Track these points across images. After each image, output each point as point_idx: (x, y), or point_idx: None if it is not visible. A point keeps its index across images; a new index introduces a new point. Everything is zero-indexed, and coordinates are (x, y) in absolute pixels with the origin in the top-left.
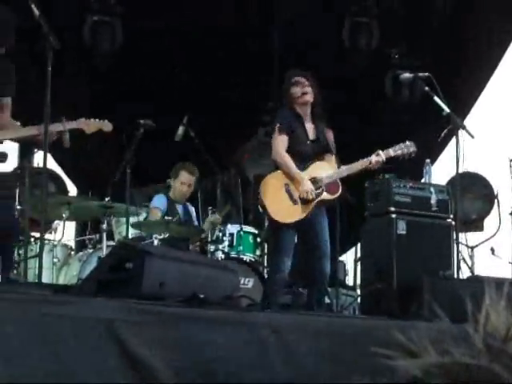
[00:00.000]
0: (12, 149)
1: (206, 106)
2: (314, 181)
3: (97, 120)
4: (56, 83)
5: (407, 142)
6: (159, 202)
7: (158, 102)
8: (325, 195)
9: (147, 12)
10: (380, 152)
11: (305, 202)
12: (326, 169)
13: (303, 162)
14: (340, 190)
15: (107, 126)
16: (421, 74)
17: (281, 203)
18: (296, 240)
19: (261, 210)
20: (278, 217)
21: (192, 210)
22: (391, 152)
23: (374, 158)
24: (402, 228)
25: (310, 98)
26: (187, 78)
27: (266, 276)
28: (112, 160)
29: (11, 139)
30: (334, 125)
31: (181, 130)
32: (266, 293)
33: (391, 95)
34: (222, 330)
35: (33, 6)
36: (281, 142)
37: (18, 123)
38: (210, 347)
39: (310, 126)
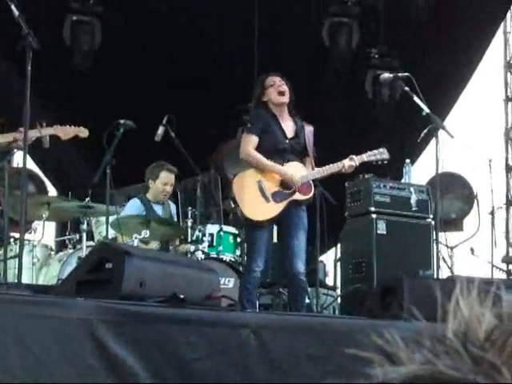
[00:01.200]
0: None
1: (186, 105)
2: (284, 182)
3: (73, 127)
4: (36, 84)
5: (380, 149)
6: (133, 208)
7: (137, 102)
8: (297, 195)
9: (126, 11)
10: (353, 157)
11: (277, 199)
12: (300, 169)
13: (281, 160)
14: (312, 191)
15: (83, 132)
16: (400, 74)
17: (253, 200)
18: (276, 239)
19: (232, 205)
20: (250, 214)
21: (173, 207)
22: (364, 157)
23: (347, 163)
24: (382, 228)
25: (286, 98)
26: (167, 77)
27: None
28: (91, 161)
29: None
30: (313, 125)
31: (161, 130)
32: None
33: (371, 95)
34: (202, 330)
35: (12, 6)
36: (248, 142)
37: None
38: (190, 347)
39: (287, 125)
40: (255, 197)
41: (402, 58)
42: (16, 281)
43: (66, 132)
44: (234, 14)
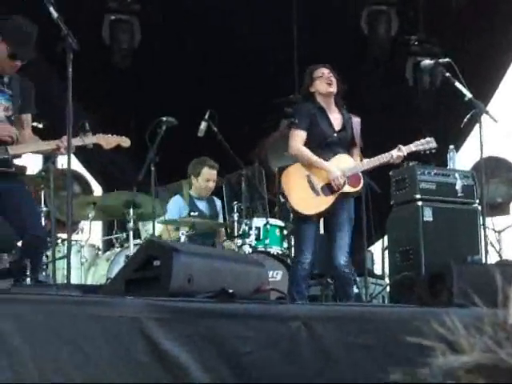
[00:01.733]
0: None
1: (227, 100)
2: None
3: (115, 136)
4: (77, 84)
5: (428, 138)
6: (174, 206)
7: (178, 99)
8: (347, 188)
9: (163, 9)
10: (401, 147)
11: (327, 193)
12: (349, 161)
13: (330, 153)
14: (362, 183)
15: (125, 141)
16: (441, 60)
17: (302, 194)
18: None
19: (282, 199)
20: (299, 207)
21: (218, 203)
22: (412, 147)
23: (395, 153)
24: (428, 215)
25: (334, 88)
26: (207, 72)
27: None
28: (135, 159)
29: (31, 152)
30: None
31: (203, 125)
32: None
33: (412, 82)
34: (252, 324)
35: (51, 8)
36: (296, 137)
37: (37, 138)
38: (241, 341)
39: (335, 117)
40: (305, 191)
41: (441, 44)
42: (65, 281)
43: (108, 141)
44: (271, 8)
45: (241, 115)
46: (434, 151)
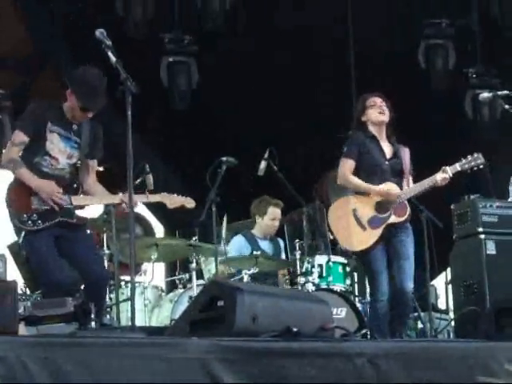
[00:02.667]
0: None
1: (286, 138)
2: (380, 205)
3: (180, 196)
4: (138, 126)
5: (475, 154)
6: (236, 245)
7: (238, 138)
8: (393, 218)
9: (220, 50)
10: (446, 168)
11: (374, 226)
12: (395, 190)
13: (380, 181)
14: (408, 213)
15: (190, 203)
16: (500, 93)
17: (349, 229)
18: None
19: (331, 236)
20: (347, 245)
21: (281, 244)
22: (458, 166)
23: (439, 176)
24: (491, 248)
25: (386, 118)
26: (266, 111)
27: (357, 305)
28: (197, 199)
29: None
30: (415, 146)
31: (263, 164)
32: (360, 323)
33: (471, 115)
34: (317, 362)
35: (109, 52)
36: (346, 165)
37: (102, 187)
38: (306, 380)
39: (386, 146)
40: (351, 226)
41: (500, 76)
42: (129, 324)
43: (173, 200)
44: (328, 43)
45: (301, 153)
46: (482, 167)
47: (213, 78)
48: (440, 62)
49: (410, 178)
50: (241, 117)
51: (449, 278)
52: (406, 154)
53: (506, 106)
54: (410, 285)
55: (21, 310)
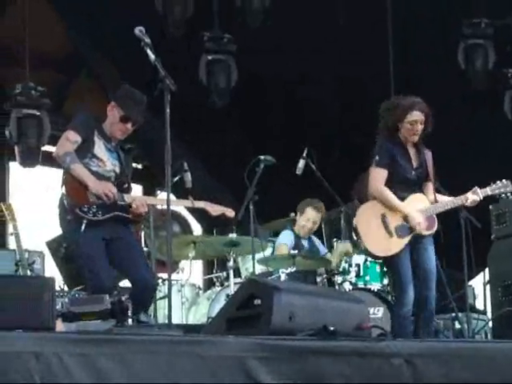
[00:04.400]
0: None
1: (325, 137)
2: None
3: (221, 206)
4: (175, 125)
5: (504, 181)
6: (286, 238)
7: (277, 137)
8: (422, 230)
9: (259, 48)
10: (478, 190)
11: (401, 234)
12: (424, 201)
13: (408, 190)
14: (436, 225)
15: (230, 212)
16: None
17: (375, 234)
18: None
19: (355, 238)
20: (372, 249)
21: (318, 241)
22: (488, 191)
23: (470, 197)
24: None
25: (416, 139)
26: (305, 110)
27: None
28: (234, 197)
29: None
30: (454, 148)
31: (301, 163)
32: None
33: (511, 116)
34: (354, 361)
35: (148, 50)
36: (378, 176)
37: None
38: (343, 379)
39: (413, 153)
40: (379, 231)
41: None
42: (166, 321)
43: (215, 209)
44: (367, 40)
45: (340, 151)
46: (510, 194)
47: (251, 77)
48: (479, 62)
49: (432, 184)
50: (280, 115)
51: (487, 278)
52: (429, 159)
53: None
54: (433, 295)
55: (58, 307)
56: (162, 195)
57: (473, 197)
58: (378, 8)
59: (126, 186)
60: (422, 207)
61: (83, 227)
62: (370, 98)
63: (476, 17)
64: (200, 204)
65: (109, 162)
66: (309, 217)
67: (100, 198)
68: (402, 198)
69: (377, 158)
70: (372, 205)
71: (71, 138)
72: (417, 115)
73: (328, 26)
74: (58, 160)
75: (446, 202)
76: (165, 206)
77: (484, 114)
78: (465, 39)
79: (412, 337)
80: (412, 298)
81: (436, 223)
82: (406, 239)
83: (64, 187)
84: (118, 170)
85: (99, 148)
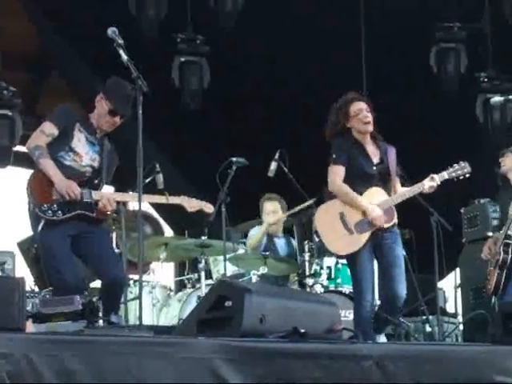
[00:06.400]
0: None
1: (297, 139)
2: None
3: (198, 201)
4: (148, 125)
5: (461, 163)
6: (257, 230)
7: (248, 139)
8: None
9: (232, 50)
10: (434, 176)
11: (360, 230)
12: (381, 195)
13: (368, 185)
14: (394, 218)
15: (209, 208)
16: (511, 97)
17: (336, 234)
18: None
19: (316, 238)
20: (333, 249)
21: (294, 242)
22: (445, 175)
23: (427, 183)
24: None
25: (371, 127)
26: (277, 112)
27: None
28: (206, 199)
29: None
30: (425, 150)
31: (273, 165)
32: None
33: (482, 119)
34: (324, 364)
35: (121, 51)
36: (336, 173)
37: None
38: (312, 382)
39: (372, 150)
40: (338, 230)
41: None
42: (137, 322)
43: (192, 204)
44: (339, 44)
45: (310, 154)
46: (468, 176)
47: (224, 79)
48: (452, 65)
49: (397, 180)
50: (252, 118)
51: (458, 281)
52: (391, 154)
53: None
54: (403, 292)
55: (29, 307)
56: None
57: (430, 183)
58: (350, 9)
59: (97, 181)
60: (379, 200)
61: (40, 226)
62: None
63: (448, 21)
64: (176, 200)
65: (87, 156)
66: (267, 210)
67: (63, 196)
68: (361, 193)
69: (334, 156)
70: (330, 204)
71: (46, 131)
72: (359, 104)
73: (300, 24)
74: (28, 152)
75: (404, 192)
76: (136, 204)
77: (455, 117)
78: (437, 43)
79: (373, 335)
80: (370, 297)
81: (395, 215)
82: (367, 235)
83: (28, 186)
84: (96, 164)
85: (78, 141)
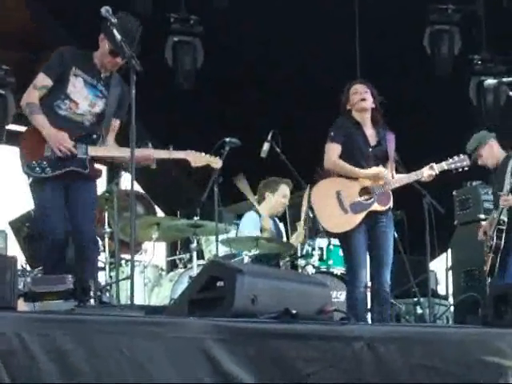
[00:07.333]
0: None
1: (290, 120)
2: (365, 191)
3: (207, 155)
4: (140, 105)
5: (461, 156)
6: (250, 222)
7: (242, 119)
8: (375, 206)
9: (225, 30)
10: (433, 165)
11: (356, 211)
12: (384, 174)
13: (364, 167)
14: (391, 202)
15: (217, 162)
16: (505, 80)
17: (331, 212)
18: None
19: (311, 215)
20: (328, 226)
21: (281, 225)
22: (445, 165)
23: (426, 172)
24: None
25: (368, 104)
26: (270, 93)
27: None
28: (198, 180)
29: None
30: (419, 132)
31: (266, 146)
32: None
33: (476, 102)
34: (315, 345)
35: (114, 30)
36: (331, 150)
37: (117, 146)
38: (304, 362)
39: (370, 133)
40: (333, 208)
41: (505, 63)
42: (129, 302)
43: (198, 159)
44: (333, 27)
45: (304, 135)
46: (466, 169)
47: (218, 59)
48: (445, 47)
49: (393, 166)
50: (245, 98)
51: (449, 263)
52: (391, 140)
53: (511, 93)
54: (388, 277)
55: (20, 286)
56: (125, 176)
57: (428, 172)
58: None
59: (95, 137)
60: (375, 183)
61: (29, 182)
62: (337, 83)
63: (442, 2)
64: (180, 154)
65: (85, 102)
66: (285, 193)
67: (54, 152)
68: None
69: (331, 133)
70: (327, 182)
71: (38, 84)
72: (357, 86)
73: (294, 6)
74: (22, 111)
75: (401, 177)
76: (128, 183)
77: (449, 100)
78: (431, 25)
79: (365, 316)
80: (364, 278)
81: (391, 200)
82: (362, 215)
83: (20, 145)
84: (98, 109)
85: (74, 87)
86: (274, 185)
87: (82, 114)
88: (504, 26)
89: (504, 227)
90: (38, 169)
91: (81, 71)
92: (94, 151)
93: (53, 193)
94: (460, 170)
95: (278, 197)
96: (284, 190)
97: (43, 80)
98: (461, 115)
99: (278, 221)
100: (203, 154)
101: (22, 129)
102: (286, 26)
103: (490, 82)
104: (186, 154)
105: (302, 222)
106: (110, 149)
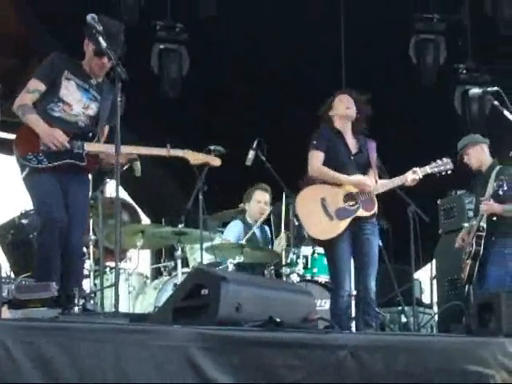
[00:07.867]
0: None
1: (275, 129)
2: (349, 197)
3: (205, 154)
4: (126, 113)
5: (444, 159)
6: (232, 231)
7: (227, 127)
8: (360, 212)
9: (210, 38)
10: (417, 169)
11: (341, 217)
12: (368, 181)
13: (346, 175)
14: (375, 207)
15: (216, 161)
16: (489, 89)
17: (316, 219)
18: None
19: (296, 223)
20: (313, 233)
21: (268, 231)
22: (428, 169)
23: (409, 176)
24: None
25: (352, 112)
26: (256, 101)
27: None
28: (183, 188)
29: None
30: (404, 141)
31: (251, 154)
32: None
33: (461, 111)
34: (300, 353)
35: (100, 38)
36: (315, 158)
37: None
38: (288, 370)
39: (351, 141)
40: (319, 215)
41: (491, 72)
42: (113, 310)
43: (197, 157)
44: (320, 36)
45: (289, 144)
46: (450, 172)
47: (203, 66)
48: (430, 57)
49: (376, 172)
50: (230, 107)
51: (434, 272)
52: (372, 147)
53: (495, 103)
54: (372, 284)
55: (4, 294)
56: (110, 183)
57: (412, 176)
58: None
59: (91, 135)
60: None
61: (25, 173)
62: (324, 92)
63: (428, 12)
64: (178, 152)
65: (78, 105)
66: (259, 198)
67: (49, 147)
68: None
69: (314, 142)
70: (312, 189)
71: (30, 88)
72: (342, 96)
73: (281, 14)
74: (15, 113)
75: (385, 183)
76: (113, 191)
77: (434, 109)
78: (416, 34)
79: (349, 324)
80: (348, 288)
81: (375, 206)
82: (347, 221)
83: (14, 143)
84: (91, 111)
85: (66, 90)
86: (249, 193)
87: (76, 115)
88: (489, 35)
89: (483, 234)
90: (34, 160)
91: (73, 75)
92: (90, 147)
93: (50, 182)
94: (443, 173)
95: (253, 203)
96: (258, 195)
97: (36, 84)
98: (446, 124)
99: (266, 228)
100: (201, 154)
101: (8, 136)
102: (272, 36)
103: (475, 91)
104: (183, 153)
105: (282, 228)
106: (106, 146)
